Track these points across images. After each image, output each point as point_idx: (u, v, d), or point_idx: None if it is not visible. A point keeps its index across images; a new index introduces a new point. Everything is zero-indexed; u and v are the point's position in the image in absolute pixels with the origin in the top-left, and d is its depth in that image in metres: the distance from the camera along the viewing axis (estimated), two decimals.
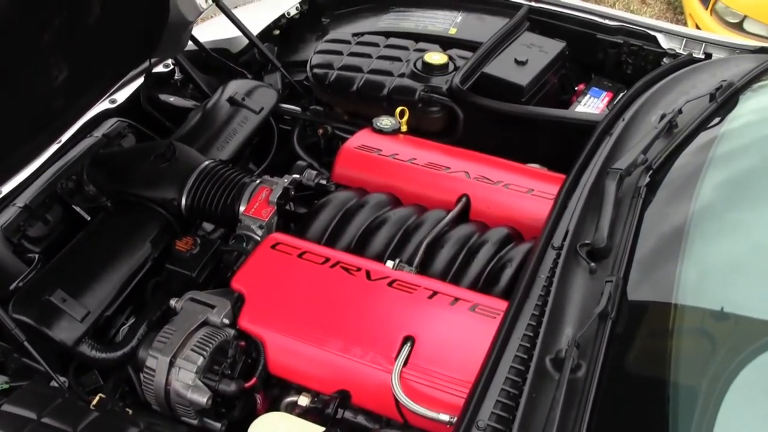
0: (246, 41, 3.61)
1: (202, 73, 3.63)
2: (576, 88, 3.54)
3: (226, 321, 2.39)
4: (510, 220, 2.74)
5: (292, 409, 2.34)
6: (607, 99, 3.37)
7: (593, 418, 1.84)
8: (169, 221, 2.81)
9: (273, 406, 2.38)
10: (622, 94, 3.05)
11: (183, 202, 2.85)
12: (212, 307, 2.41)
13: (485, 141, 3.08)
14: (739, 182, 2.37)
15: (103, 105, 3.28)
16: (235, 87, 3.44)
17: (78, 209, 2.92)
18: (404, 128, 3.15)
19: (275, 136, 3.43)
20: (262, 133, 3.38)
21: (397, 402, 2.21)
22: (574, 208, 2.40)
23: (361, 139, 3.05)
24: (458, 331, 2.31)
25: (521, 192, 2.78)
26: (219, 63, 3.61)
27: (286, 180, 2.81)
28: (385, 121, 3.10)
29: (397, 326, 2.33)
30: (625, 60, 3.46)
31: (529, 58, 3.33)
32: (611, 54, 3.49)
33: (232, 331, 2.39)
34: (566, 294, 2.15)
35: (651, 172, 2.43)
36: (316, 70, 3.46)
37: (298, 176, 2.85)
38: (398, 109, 3.16)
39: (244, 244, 2.68)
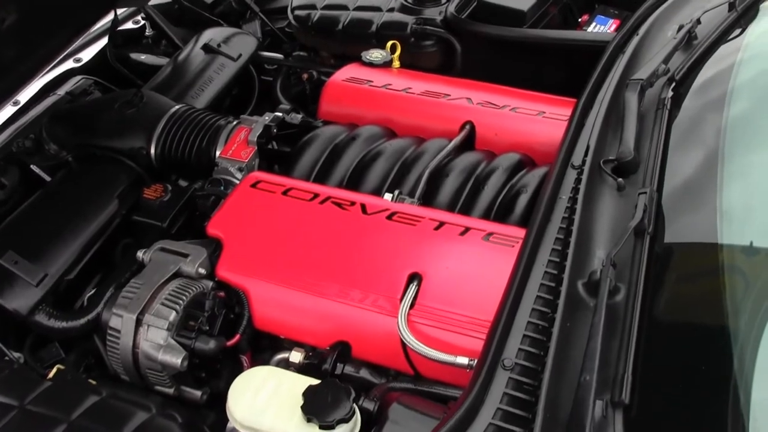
0: None
1: (176, 27, 3.42)
2: (579, 20, 3.27)
3: (202, 271, 2.08)
4: (521, 147, 2.45)
5: (285, 367, 2.03)
6: (614, 26, 3.10)
7: (640, 348, 1.55)
8: (138, 174, 2.54)
9: None
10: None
11: (153, 150, 2.57)
12: (185, 256, 2.11)
13: (487, 74, 2.80)
14: None
15: (67, 65, 3.09)
16: (211, 34, 3.18)
17: (37, 170, 2.65)
18: (396, 64, 2.87)
19: (256, 85, 3.17)
20: (242, 83, 3.15)
21: (405, 349, 1.92)
22: (593, 124, 2.14)
23: (349, 72, 2.77)
24: (472, 265, 2.02)
25: (531, 115, 2.51)
26: (193, 14, 3.40)
27: (267, 118, 2.53)
28: (375, 54, 2.82)
29: (400, 263, 2.03)
30: None
31: None
32: None
33: (209, 283, 2.09)
34: (593, 214, 1.88)
35: (674, 83, 2.19)
36: (297, 12, 3.22)
37: (280, 114, 2.54)
38: (389, 44, 2.89)
39: (222, 188, 2.36)
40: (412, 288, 1.97)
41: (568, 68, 2.74)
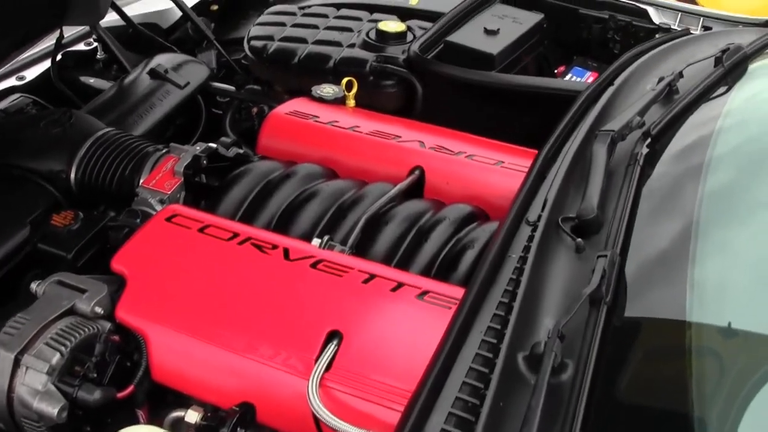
0: (178, 15, 3.36)
1: (129, 51, 3.24)
2: (555, 71, 3.12)
3: (99, 310, 1.84)
4: (474, 198, 2.23)
5: (180, 427, 1.77)
6: (591, 79, 2.92)
7: None
8: (56, 199, 2.35)
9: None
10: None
11: (73, 174, 2.38)
12: (83, 291, 1.86)
13: (448, 119, 2.59)
14: (755, 160, 2.01)
15: (9, 82, 2.99)
16: (160, 60, 3.03)
17: None
18: (351, 102, 2.65)
19: (202, 116, 3.00)
20: (189, 113, 3.00)
21: (315, 419, 1.67)
22: (554, 177, 1.94)
23: (295, 105, 2.55)
24: (401, 326, 1.79)
25: (488, 164, 2.29)
26: (147, 39, 3.26)
27: (198, 147, 2.30)
28: (326, 89, 2.61)
29: (319, 318, 1.79)
30: (611, 37, 3.05)
31: (500, 27, 2.90)
32: (596, 31, 3.08)
33: (107, 324, 1.84)
34: (545, 276, 1.66)
35: (649, 139, 2.01)
36: (253, 42, 3.05)
37: (213, 145, 2.32)
38: (344, 80, 2.67)
39: (139, 221, 2.14)
40: (331, 347, 1.73)
41: (537, 118, 2.50)
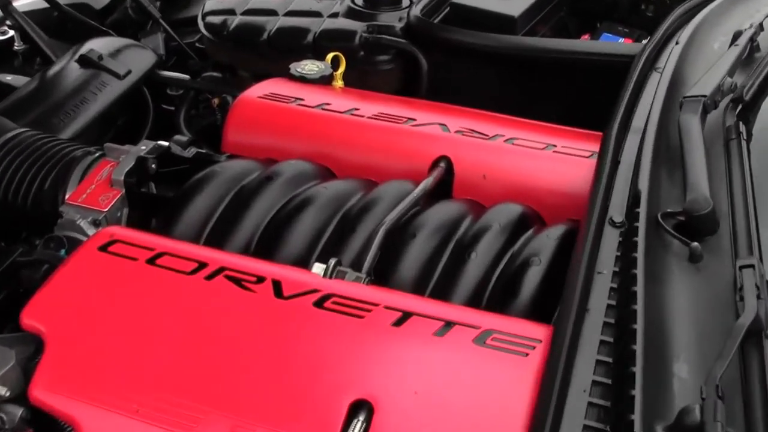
0: None
1: (55, 40, 2.77)
2: None
3: (3, 391, 1.28)
4: (522, 195, 1.68)
5: None
6: None
7: None
8: None
9: None
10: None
11: None
12: None
13: (463, 100, 2.05)
14: None
15: None
16: (93, 45, 2.50)
17: None
18: (339, 83, 2.11)
19: (150, 113, 2.49)
20: (132, 110, 2.51)
21: None
22: (633, 161, 1.50)
23: (269, 87, 1.99)
24: (457, 386, 1.23)
25: (536, 149, 1.74)
26: (77, 24, 2.82)
27: (143, 147, 1.74)
28: (308, 66, 2.06)
29: (337, 383, 1.23)
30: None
31: None
32: None
33: (18, 410, 1.28)
34: (658, 300, 1.21)
35: (740, 106, 1.62)
36: (210, 18, 2.59)
37: (165, 143, 1.76)
38: (330, 55, 2.14)
39: (64, 252, 1.56)
40: (357, 425, 1.17)
41: (578, 91, 2.14)
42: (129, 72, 2.41)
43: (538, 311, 1.38)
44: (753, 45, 1.75)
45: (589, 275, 1.25)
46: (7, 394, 1.27)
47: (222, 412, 1.20)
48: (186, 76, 2.57)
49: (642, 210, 1.34)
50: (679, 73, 1.77)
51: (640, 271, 1.21)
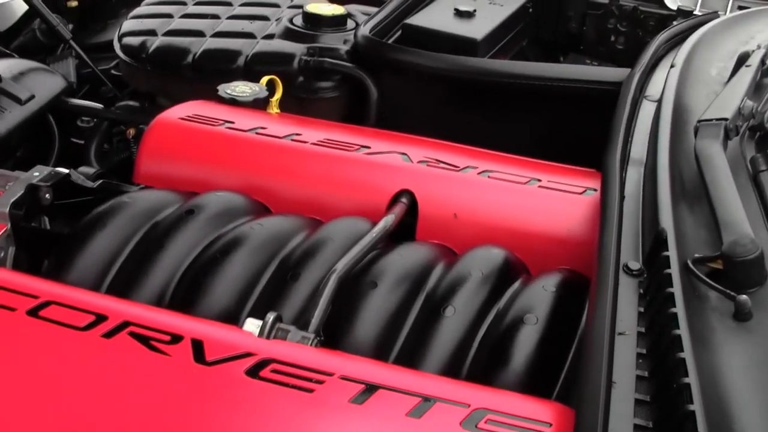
0: (21, 11, 2.65)
1: None
2: None
3: None
4: (500, 239, 1.39)
5: None
6: None
7: None
8: None
9: None
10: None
11: None
12: None
13: (418, 132, 1.76)
14: None
15: None
16: None
17: None
18: (275, 110, 1.82)
19: (55, 144, 2.17)
20: (34, 140, 2.18)
21: None
22: (639, 199, 1.28)
23: (191, 108, 1.68)
24: None
25: (517, 183, 1.45)
26: None
27: (36, 174, 1.41)
28: (240, 87, 1.76)
29: None
30: (613, 28, 2.44)
31: (476, 9, 2.20)
32: (591, 22, 2.46)
33: None
34: (705, 372, 0.92)
35: (758, 134, 1.41)
36: (128, 39, 2.28)
37: (63, 170, 1.44)
38: (265, 78, 1.86)
39: None
40: None
41: (550, 123, 1.90)
42: (32, 97, 2.09)
43: (534, 384, 1.09)
44: (765, 68, 1.54)
45: (610, 338, 0.98)
46: None
47: None
48: (99, 105, 2.26)
49: (672, 254, 1.07)
50: (679, 100, 1.55)
51: (684, 333, 0.94)
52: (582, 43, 2.45)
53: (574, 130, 1.61)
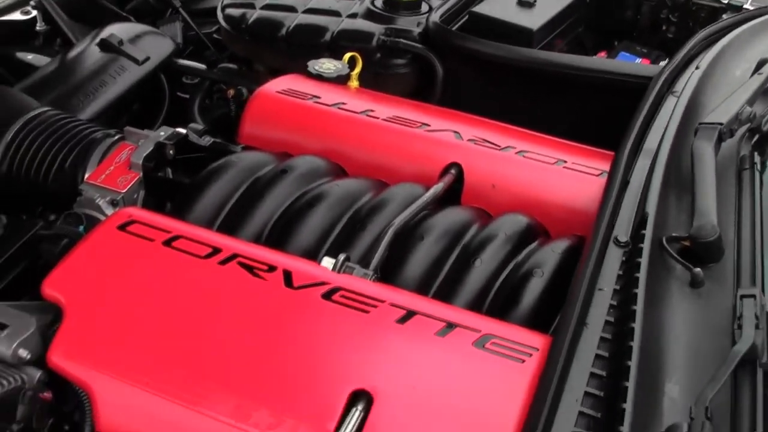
0: None
1: (76, 22, 2.78)
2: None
3: (24, 354, 1.32)
4: (529, 207, 1.72)
5: None
6: None
7: None
8: None
9: None
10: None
11: None
12: (2, 327, 1.36)
13: (476, 110, 2.08)
14: None
15: None
16: (113, 29, 2.52)
17: None
18: (354, 83, 2.16)
19: (165, 100, 2.50)
20: (148, 96, 2.52)
21: None
22: (642, 182, 1.54)
23: (286, 83, 2.04)
24: (454, 385, 1.27)
25: (547, 163, 1.78)
26: (99, 8, 2.82)
27: (162, 133, 1.81)
28: (326, 65, 2.11)
29: (339, 372, 1.28)
30: (665, 18, 2.66)
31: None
32: (646, 11, 2.69)
33: (36, 373, 1.32)
34: (656, 321, 1.25)
35: (757, 136, 1.66)
36: (229, 11, 2.61)
37: (182, 130, 1.84)
38: (347, 55, 2.19)
39: (82, 228, 1.62)
40: (356, 414, 1.22)
41: (593, 109, 2.16)
42: (147, 58, 2.44)
43: (537, 321, 1.42)
44: None
45: (590, 291, 1.30)
46: (28, 356, 1.32)
47: (227, 391, 1.26)
48: (202, 66, 2.58)
49: (648, 232, 1.38)
50: (697, 99, 1.79)
51: (640, 292, 1.26)
52: (635, 30, 2.68)
53: (608, 117, 1.85)
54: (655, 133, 1.69)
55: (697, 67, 1.90)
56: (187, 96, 2.57)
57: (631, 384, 1.12)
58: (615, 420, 1.09)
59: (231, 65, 2.61)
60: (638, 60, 2.53)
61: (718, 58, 1.94)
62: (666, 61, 2.14)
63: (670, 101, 1.81)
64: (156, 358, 1.31)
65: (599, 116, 2.01)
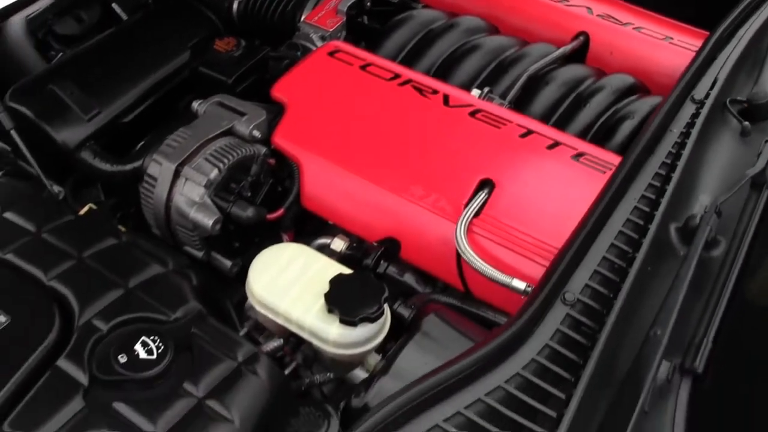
0: None
1: None
2: None
3: (257, 134, 1.87)
4: (637, 72, 2.15)
5: (325, 254, 1.81)
6: None
7: (729, 314, 1.31)
8: (217, 27, 2.33)
9: None
10: None
11: (236, 4, 2.38)
12: (242, 114, 1.90)
13: None
14: None
15: None
16: None
17: (118, 9, 2.43)
18: None
19: None
20: None
21: (459, 260, 1.70)
22: (725, 59, 1.85)
23: None
24: (553, 183, 1.76)
25: (656, 39, 2.19)
26: None
27: None
28: None
29: (473, 165, 1.79)
30: None
31: None
32: None
33: (262, 148, 1.87)
34: (705, 154, 1.62)
35: None
36: None
37: None
38: None
39: (299, 54, 2.14)
40: (482, 195, 1.73)
41: None
42: None
43: (623, 150, 1.85)
44: None
45: (662, 129, 1.65)
46: (259, 136, 1.87)
47: (397, 171, 1.79)
48: None
49: (714, 93, 1.72)
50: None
51: (695, 132, 1.62)
52: None
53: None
54: (751, 25, 1.95)
55: None
56: None
57: (670, 187, 1.50)
58: (654, 208, 1.48)
59: None
60: None
61: None
62: None
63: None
64: (348, 144, 1.85)
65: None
